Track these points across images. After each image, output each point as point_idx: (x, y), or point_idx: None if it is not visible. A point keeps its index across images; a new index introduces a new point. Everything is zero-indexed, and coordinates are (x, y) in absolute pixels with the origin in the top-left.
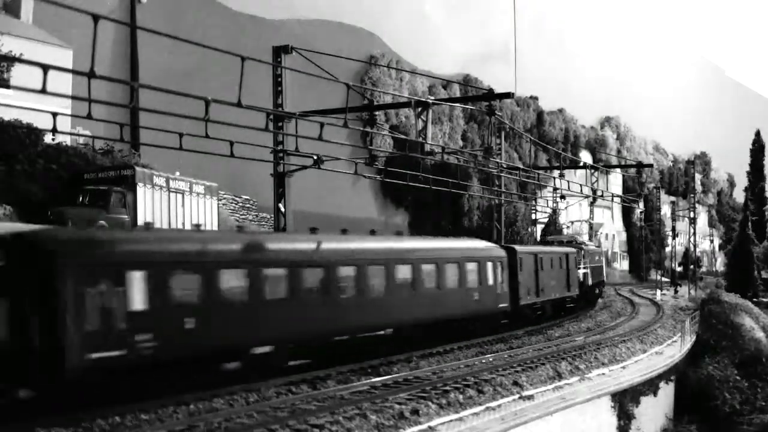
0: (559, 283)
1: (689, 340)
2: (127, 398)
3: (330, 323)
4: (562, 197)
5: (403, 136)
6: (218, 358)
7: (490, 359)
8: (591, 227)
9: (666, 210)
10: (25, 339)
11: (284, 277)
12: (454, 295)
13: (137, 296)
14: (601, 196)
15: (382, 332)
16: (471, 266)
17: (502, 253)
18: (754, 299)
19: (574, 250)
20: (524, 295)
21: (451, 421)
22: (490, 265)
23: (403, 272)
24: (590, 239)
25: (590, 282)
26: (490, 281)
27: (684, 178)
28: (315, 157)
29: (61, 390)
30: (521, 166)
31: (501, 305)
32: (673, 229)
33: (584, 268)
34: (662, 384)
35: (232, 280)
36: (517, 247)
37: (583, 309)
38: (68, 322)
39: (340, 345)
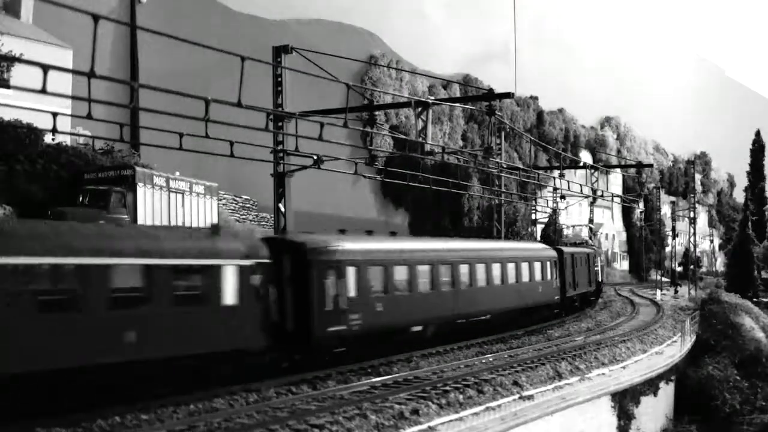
0: (585, 279)
1: (689, 340)
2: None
3: (454, 310)
4: (562, 197)
5: (403, 136)
6: (393, 334)
7: (490, 359)
8: (591, 229)
9: (666, 210)
10: (290, 317)
11: (428, 273)
12: (527, 288)
13: (351, 286)
14: (601, 196)
15: (483, 317)
16: (537, 265)
17: (554, 253)
18: (754, 299)
19: (592, 250)
20: (568, 289)
21: (451, 421)
22: (548, 263)
23: (496, 270)
24: (590, 240)
25: (600, 278)
26: (549, 277)
27: (684, 178)
28: (315, 157)
29: (311, 354)
30: (521, 166)
31: (555, 297)
32: (673, 229)
33: (597, 266)
34: (662, 384)
35: (402, 275)
36: (564, 249)
37: (596, 302)
38: (315, 304)
39: (459, 326)
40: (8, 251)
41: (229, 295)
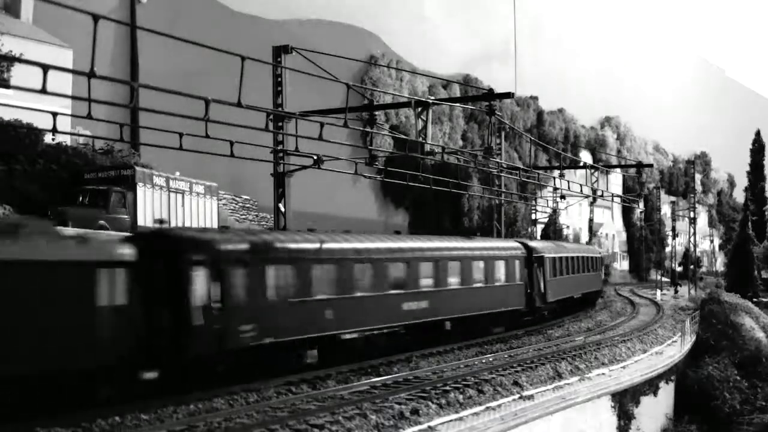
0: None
1: (689, 340)
2: None
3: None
4: (562, 197)
5: (403, 136)
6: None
7: (490, 359)
8: (591, 229)
9: (666, 210)
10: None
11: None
12: (584, 279)
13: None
14: (601, 196)
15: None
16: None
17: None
18: (754, 299)
19: (592, 252)
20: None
21: (451, 421)
22: (598, 259)
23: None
24: (590, 240)
25: (602, 278)
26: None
27: (684, 178)
28: (315, 157)
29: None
30: (521, 166)
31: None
32: (673, 229)
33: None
34: (662, 384)
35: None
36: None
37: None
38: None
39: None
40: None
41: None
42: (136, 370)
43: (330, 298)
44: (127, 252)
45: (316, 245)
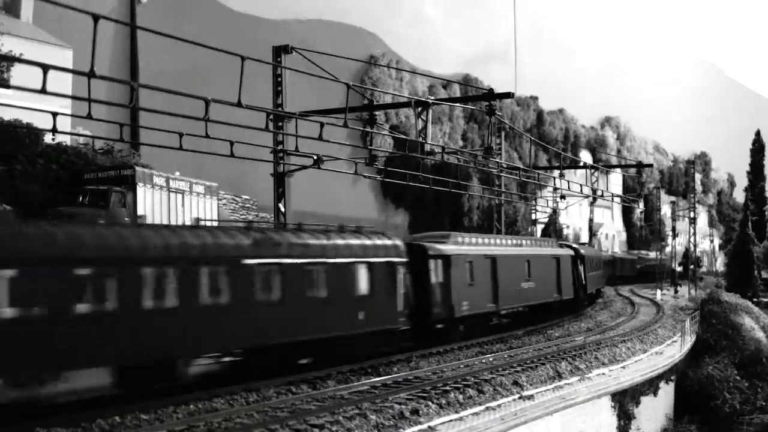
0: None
1: (689, 340)
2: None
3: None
4: (562, 197)
5: (403, 136)
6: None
7: (490, 359)
8: (591, 229)
9: (666, 210)
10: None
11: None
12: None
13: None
14: (601, 196)
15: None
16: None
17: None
18: (754, 299)
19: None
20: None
21: (451, 420)
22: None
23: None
24: (590, 240)
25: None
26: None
27: (684, 178)
28: (315, 157)
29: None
30: (521, 166)
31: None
32: (673, 229)
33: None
34: (662, 384)
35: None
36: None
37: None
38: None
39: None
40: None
41: None
42: None
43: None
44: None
45: None
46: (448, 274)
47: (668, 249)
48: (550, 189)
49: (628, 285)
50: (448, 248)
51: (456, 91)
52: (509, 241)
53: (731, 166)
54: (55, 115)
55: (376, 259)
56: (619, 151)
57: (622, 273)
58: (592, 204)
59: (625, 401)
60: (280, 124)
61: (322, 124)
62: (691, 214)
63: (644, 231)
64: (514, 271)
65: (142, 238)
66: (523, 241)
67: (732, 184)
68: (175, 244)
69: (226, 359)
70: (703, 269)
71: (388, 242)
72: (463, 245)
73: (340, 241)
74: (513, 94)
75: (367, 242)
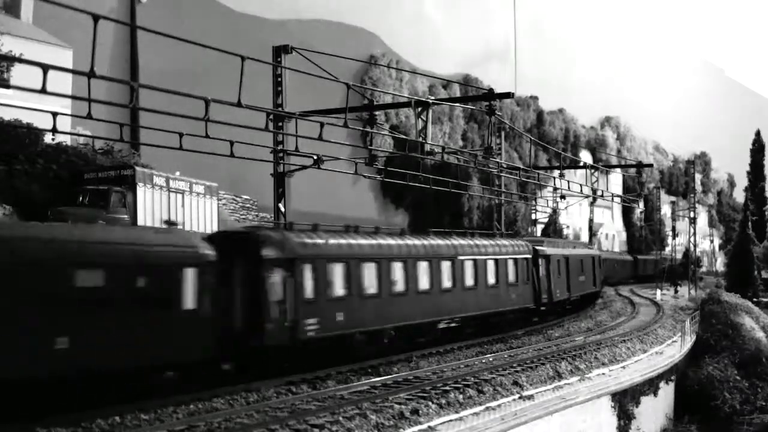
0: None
1: (689, 340)
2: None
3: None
4: (562, 197)
5: (403, 136)
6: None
7: (490, 359)
8: (591, 229)
9: (666, 210)
10: None
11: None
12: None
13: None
14: (601, 196)
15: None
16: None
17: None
18: (754, 299)
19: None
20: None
21: (451, 420)
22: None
23: None
24: (590, 240)
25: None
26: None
27: (684, 178)
28: (315, 157)
29: None
30: (521, 166)
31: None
32: (673, 229)
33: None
34: (662, 384)
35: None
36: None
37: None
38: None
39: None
40: None
41: None
42: None
43: None
44: None
45: None
46: (548, 269)
47: (668, 249)
48: (550, 189)
49: (651, 283)
50: (547, 249)
51: (456, 91)
52: (570, 245)
53: (731, 166)
54: (55, 115)
55: (518, 256)
56: (619, 151)
57: (644, 273)
58: (592, 204)
59: (625, 401)
60: (280, 124)
61: (322, 124)
62: (691, 214)
63: (644, 231)
64: (576, 267)
65: (412, 246)
66: (575, 244)
67: (732, 184)
68: (428, 246)
69: (453, 324)
70: (703, 269)
71: (521, 243)
72: (551, 247)
73: (500, 242)
74: (513, 94)
75: (511, 242)
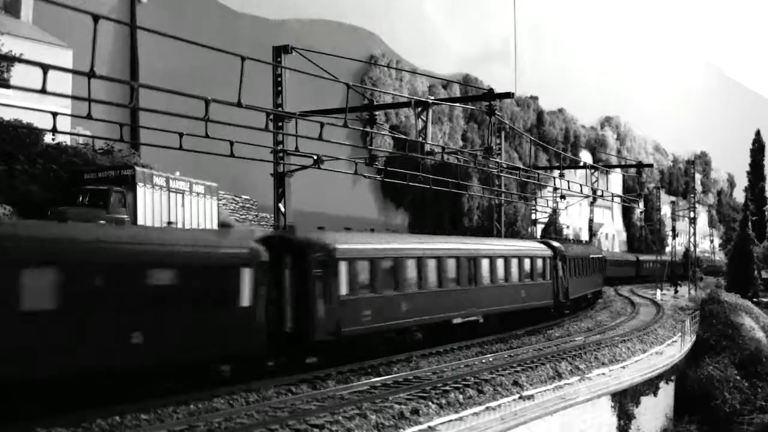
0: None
1: (689, 340)
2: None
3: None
4: (562, 197)
5: (403, 136)
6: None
7: (490, 359)
8: (591, 229)
9: (666, 210)
10: None
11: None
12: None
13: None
14: (601, 196)
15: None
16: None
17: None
18: (754, 299)
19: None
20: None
21: (451, 420)
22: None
23: None
24: (590, 240)
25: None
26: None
27: (684, 178)
28: (315, 157)
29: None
30: (521, 166)
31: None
32: (673, 229)
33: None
34: (662, 384)
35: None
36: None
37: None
38: None
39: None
40: None
41: None
42: None
43: None
44: None
45: None
46: (564, 269)
47: (668, 249)
48: (550, 189)
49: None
50: (566, 251)
51: (456, 91)
52: (583, 245)
53: (731, 166)
54: (55, 115)
55: (541, 257)
56: (619, 151)
57: (646, 272)
58: (592, 204)
59: (625, 401)
60: (280, 124)
61: (322, 124)
62: (691, 214)
63: (644, 231)
64: (588, 267)
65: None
66: (586, 246)
67: (732, 184)
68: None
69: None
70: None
71: (541, 245)
72: (569, 248)
73: (525, 243)
74: (513, 94)
75: (534, 244)
